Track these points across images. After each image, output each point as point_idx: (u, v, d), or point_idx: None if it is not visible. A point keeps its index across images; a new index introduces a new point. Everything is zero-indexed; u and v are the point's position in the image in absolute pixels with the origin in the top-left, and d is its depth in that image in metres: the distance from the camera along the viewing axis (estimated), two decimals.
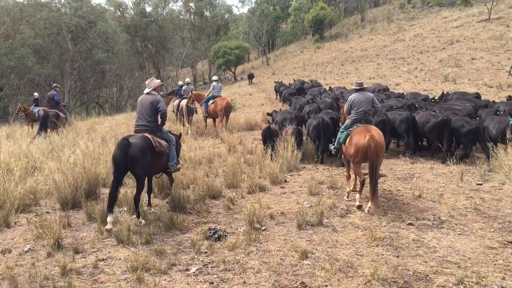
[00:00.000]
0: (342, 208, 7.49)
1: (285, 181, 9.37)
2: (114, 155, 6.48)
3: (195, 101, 15.79)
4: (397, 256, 5.59)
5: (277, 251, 5.75)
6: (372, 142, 7.13)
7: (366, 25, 50.55)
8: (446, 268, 5.24)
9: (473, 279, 4.93)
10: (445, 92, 17.07)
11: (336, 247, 5.90)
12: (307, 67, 37.71)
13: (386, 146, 10.93)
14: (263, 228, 6.60)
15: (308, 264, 5.37)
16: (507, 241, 6.01)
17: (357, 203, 7.54)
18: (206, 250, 5.77)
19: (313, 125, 11.06)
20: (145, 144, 6.65)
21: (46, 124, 15.28)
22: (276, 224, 6.83)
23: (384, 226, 6.67)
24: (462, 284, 4.82)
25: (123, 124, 17.97)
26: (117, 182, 6.47)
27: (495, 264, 5.34)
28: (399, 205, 7.65)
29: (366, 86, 8.67)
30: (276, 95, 25.60)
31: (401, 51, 34.94)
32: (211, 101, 15.37)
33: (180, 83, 20.18)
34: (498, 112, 11.73)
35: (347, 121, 8.16)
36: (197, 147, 12.46)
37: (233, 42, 47.89)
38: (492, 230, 6.46)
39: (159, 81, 7.69)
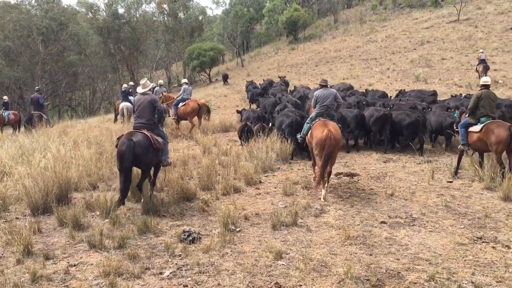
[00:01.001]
0: (316, 208, 7.54)
1: (260, 182, 9.39)
2: (121, 153, 7.12)
3: (164, 103, 15.90)
4: (370, 254, 5.66)
5: (251, 252, 5.75)
6: (329, 136, 7.98)
7: (339, 26, 51.06)
8: (418, 265, 5.33)
9: (444, 275, 5.03)
10: (402, 90, 18.02)
11: (310, 247, 5.93)
12: (281, 68, 37.83)
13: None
14: (237, 229, 6.59)
15: (283, 264, 5.39)
16: (477, 237, 6.15)
17: (322, 195, 8.19)
18: (180, 253, 5.73)
19: (287, 123, 11.63)
20: (147, 142, 7.36)
21: (31, 123, 16.08)
22: (250, 225, 6.84)
23: (358, 225, 6.74)
24: (433, 280, 4.91)
25: (96, 128, 17.70)
26: (126, 176, 7.17)
27: (465, 260, 5.45)
28: (372, 203, 7.74)
29: (331, 85, 9.47)
30: (248, 94, 25.77)
31: (374, 51, 35.40)
32: (181, 104, 15.35)
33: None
34: (448, 109, 12.53)
35: (312, 114, 9.07)
36: (171, 149, 12.34)
37: (207, 43, 47.67)
38: (462, 226, 6.60)
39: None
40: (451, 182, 9.00)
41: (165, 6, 51.23)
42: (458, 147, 9.66)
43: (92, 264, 5.44)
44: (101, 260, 5.48)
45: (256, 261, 5.49)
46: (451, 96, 16.14)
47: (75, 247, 6.00)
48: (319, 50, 41.66)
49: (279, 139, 11.45)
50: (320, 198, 8.06)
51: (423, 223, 6.77)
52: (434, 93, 16.97)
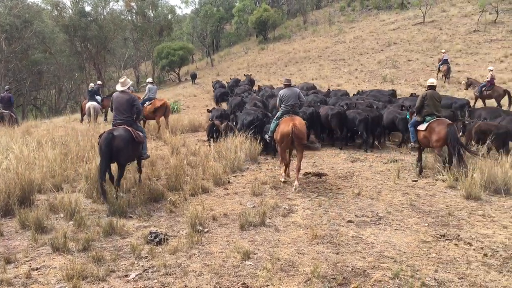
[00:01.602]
0: (284, 208, 7.56)
1: (229, 182, 9.37)
2: (102, 146, 7.52)
3: None
4: (337, 253, 5.71)
5: (219, 253, 5.73)
6: (294, 130, 8.51)
7: (309, 27, 51.46)
8: (383, 263, 5.41)
9: (408, 273, 5.12)
10: (361, 90, 18.81)
11: (278, 247, 5.95)
12: (251, 68, 37.87)
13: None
14: (205, 230, 6.56)
15: (250, 264, 5.39)
16: (440, 235, 6.29)
17: (282, 179, 9.13)
18: (146, 255, 5.65)
19: (249, 121, 12.33)
20: (128, 136, 7.76)
21: (2, 122, 16.05)
22: (219, 226, 6.81)
23: (325, 224, 6.80)
24: (397, 278, 4.99)
25: (61, 128, 17.30)
26: (106, 168, 7.60)
27: (428, 257, 5.57)
28: (339, 203, 7.82)
29: (294, 84, 10.15)
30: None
31: (342, 52, 35.85)
32: (147, 103, 15.22)
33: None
34: (403, 107, 13.13)
35: (278, 113, 9.58)
36: None
37: (176, 43, 47.23)
38: (426, 224, 6.74)
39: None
40: (416, 181, 9.19)
41: (133, 4, 50.46)
42: (409, 145, 10.63)
43: (55, 267, 5.31)
44: (64, 263, 5.35)
45: (223, 261, 5.46)
46: (411, 95, 16.62)
47: (38, 250, 5.84)
48: (288, 51, 41.89)
49: (248, 139, 11.46)
50: (289, 197, 8.11)
51: (388, 221, 6.89)
52: (393, 93, 17.61)
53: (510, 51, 28.12)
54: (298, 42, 45.39)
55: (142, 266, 5.36)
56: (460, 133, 10.95)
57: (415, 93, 16.81)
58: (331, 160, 11.36)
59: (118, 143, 7.56)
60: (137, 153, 8.33)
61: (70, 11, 45.95)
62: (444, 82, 24.04)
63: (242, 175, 9.98)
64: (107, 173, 7.72)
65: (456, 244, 5.97)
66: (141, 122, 15.62)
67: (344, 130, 13.06)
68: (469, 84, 20.73)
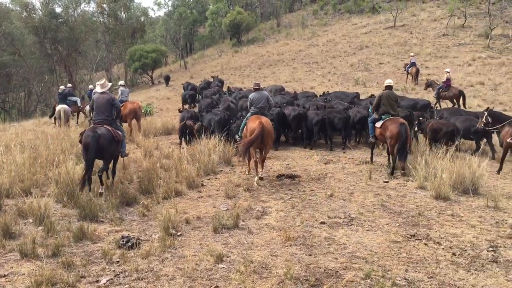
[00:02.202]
0: (258, 210, 7.57)
1: (202, 185, 9.33)
2: (87, 145, 7.95)
3: None
4: (310, 255, 5.75)
5: (192, 256, 5.69)
6: (261, 127, 9.06)
7: (282, 30, 51.71)
8: (355, 264, 5.47)
9: (379, 273, 5.20)
10: (325, 92, 19.24)
11: (251, 249, 5.95)
12: (225, 71, 37.83)
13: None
14: (178, 233, 6.51)
15: (223, 267, 5.37)
16: (410, 235, 6.41)
17: (256, 179, 9.36)
18: (118, 260, 5.58)
19: (216, 120, 12.98)
20: (109, 135, 8.24)
21: None
22: (192, 229, 6.77)
23: (298, 226, 6.83)
24: (369, 278, 5.06)
25: (30, 131, 16.95)
26: (91, 166, 8.02)
27: (399, 257, 5.66)
28: (312, 204, 7.88)
29: (263, 87, 10.56)
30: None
31: (315, 55, 36.14)
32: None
33: (90, 87, 19.57)
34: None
35: (248, 114, 10.16)
36: None
37: (149, 45, 46.78)
38: (397, 225, 6.85)
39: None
40: (387, 182, 9.33)
41: (105, 6, 49.81)
42: (369, 140, 11.48)
43: (23, 274, 5.19)
44: (33, 269, 5.24)
45: (196, 265, 5.43)
46: (371, 96, 17.19)
47: (5, 257, 5.70)
48: (262, 53, 42.01)
49: (221, 142, 11.44)
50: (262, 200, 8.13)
51: (360, 222, 6.97)
52: (357, 95, 18.13)
53: (477, 55, 28.86)
54: (272, 45, 45.57)
55: (114, 271, 5.28)
56: (416, 130, 12.48)
57: (373, 94, 17.38)
58: (304, 162, 11.43)
59: (102, 141, 8.05)
60: (117, 152, 8.82)
61: (40, 12, 45.07)
62: (415, 84, 24.53)
63: (216, 178, 9.95)
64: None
65: (425, 244, 6.09)
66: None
67: (305, 130, 13.53)
68: (428, 85, 21.64)
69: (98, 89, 8.94)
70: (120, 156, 9.15)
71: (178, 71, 47.93)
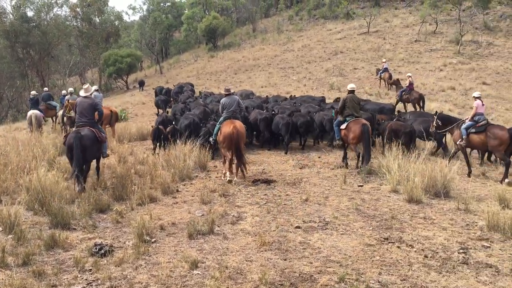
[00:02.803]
0: (233, 215, 7.56)
1: (177, 190, 9.26)
2: (70, 146, 8.48)
3: (72, 110, 15.42)
4: (285, 259, 5.77)
5: (166, 263, 5.63)
6: (235, 131, 9.59)
7: (258, 35, 51.94)
8: (329, 267, 5.51)
9: (353, 276, 5.25)
10: (293, 95, 20.14)
11: (226, 255, 5.93)
12: (201, 76, 37.76)
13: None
14: (153, 240, 6.44)
15: (198, 273, 5.34)
16: (383, 238, 6.49)
17: (228, 178, 9.79)
18: (90, 268, 5.48)
19: (185, 124, 13.18)
20: (93, 135, 8.76)
21: None
22: (166, 235, 6.71)
23: (273, 230, 6.85)
24: (343, 282, 5.10)
25: (1, 137, 16.56)
26: (77, 165, 8.40)
27: (372, 261, 5.73)
28: (287, 209, 7.91)
29: (233, 91, 11.28)
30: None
31: (291, 60, 36.39)
32: None
33: (63, 92, 19.32)
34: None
35: (221, 119, 10.60)
36: None
37: (124, 50, 46.37)
38: (371, 228, 6.93)
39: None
40: (361, 186, 9.44)
41: (78, 10, 49.17)
42: (334, 142, 12.39)
43: None
44: (2, 279, 5.11)
45: (171, 271, 5.38)
46: (336, 99, 17.89)
47: None
48: (238, 58, 42.09)
49: (197, 147, 11.40)
50: (237, 204, 8.11)
51: (335, 226, 7.03)
52: (323, 99, 18.79)
53: (449, 60, 29.54)
54: (248, 50, 45.72)
55: (86, 279, 5.20)
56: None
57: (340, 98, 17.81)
58: (280, 166, 11.47)
59: (85, 142, 8.54)
60: (99, 152, 9.29)
61: (11, 16, 44.21)
62: (389, 89, 24.91)
63: (191, 183, 9.90)
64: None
65: (398, 247, 6.18)
66: None
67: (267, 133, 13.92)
68: (394, 84, 22.33)
69: (82, 93, 9.42)
70: (102, 157, 9.58)
71: (154, 76, 47.61)
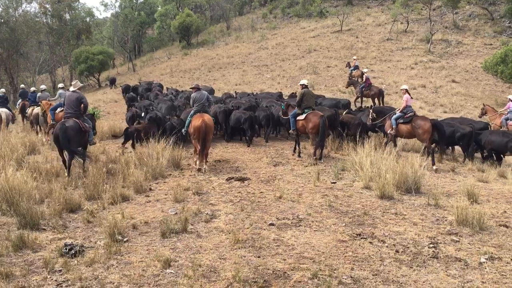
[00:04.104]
0: (207, 213, 7.51)
1: (150, 189, 9.15)
2: (56, 136, 9.63)
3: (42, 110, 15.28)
4: (258, 257, 5.77)
5: (139, 263, 5.57)
6: (203, 124, 10.42)
7: (232, 33, 51.83)
8: (303, 264, 5.54)
9: (326, 272, 5.29)
10: (252, 92, 21.18)
11: (200, 253, 5.90)
12: (174, 74, 37.46)
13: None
14: (125, 239, 6.35)
15: (171, 272, 5.30)
16: (356, 234, 6.56)
17: (197, 167, 10.63)
18: (60, 268, 5.37)
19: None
20: (77, 126, 9.77)
21: None
22: (139, 234, 6.63)
23: (247, 228, 6.84)
24: (316, 278, 5.13)
25: None
26: (63, 152, 9.87)
27: (345, 256, 5.78)
28: (261, 206, 7.91)
29: (201, 87, 12.16)
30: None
31: (265, 58, 36.46)
32: (59, 109, 14.64)
33: (32, 89, 18.93)
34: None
35: (191, 112, 11.46)
36: (55, 158, 11.60)
37: (96, 47, 45.68)
38: (344, 224, 6.99)
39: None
40: (334, 183, 9.52)
41: (48, 6, 48.13)
42: (289, 131, 12.96)
43: None
44: None
45: (143, 271, 5.33)
46: (291, 94, 19.24)
47: None
48: (212, 56, 41.93)
49: (170, 145, 11.32)
50: (211, 203, 8.08)
51: (308, 223, 7.07)
52: (280, 95, 20.06)
53: (419, 59, 30.06)
54: (222, 48, 45.57)
55: (56, 280, 5.09)
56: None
57: (295, 92, 19.11)
58: (254, 164, 11.48)
59: (69, 132, 9.56)
60: (84, 140, 10.26)
61: None
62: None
63: (165, 182, 9.81)
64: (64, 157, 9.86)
65: (370, 242, 6.26)
66: (52, 128, 14.98)
67: (229, 127, 14.79)
68: (350, 84, 22.81)
69: (71, 88, 10.58)
70: (88, 144, 10.65)
71: (127, 73, 47.02)
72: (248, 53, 39.86)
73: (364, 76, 21.26)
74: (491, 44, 32.97)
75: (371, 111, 13.57)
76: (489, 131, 13.21)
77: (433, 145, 11.97)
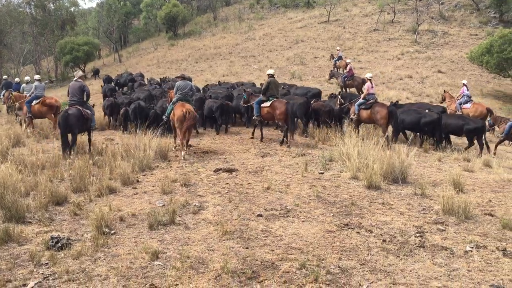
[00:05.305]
0: (195, 205, 7.49)
1: (138, 181, 9.09)
2: (59, 122, 10.93)
3: (15, 103, 15.39)
4: (247, 248, 5.77)
5: (126, 255, 5.54)
6: (186, 113, 10.89)
7: (219, 23, 51.55)
8: (291, 254, 5.56)
9: (314, 262, 5.31)
10: (220, 82, 21.89)
11: (188, 245, 5.89)
12: (161, 64, 37.19)
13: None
14: (112, 232, 6.31)
15: (159, 264, 5.28)
16: (344, 224, 6.59)
17: (176, 148, 11.71)
18: (47, 261, 5.32)
19: (132, 108, 14.92)
20: (79, 113, 10.89)
21: None
22: (126, 227, 6.59)
23: (235, 219, 6.83)
24: (304, 268, 5.15)
25: None
26: (65, 137, 10.87)
27: (333, 246, 5.81)
28: (249, 197, 7.90)
29: (187, 76, 12.92)
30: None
31: (252, 49, 36.33)
32: (35, 101, 14.58)
33: (17, 79, 18.75)
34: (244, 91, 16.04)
35: (174, 99, 11.93)
36: (40, 150, 11.46)
37: (81, 38, 45.13)
38: (331, 215, 7.02)
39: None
40: (322, 173, 9.54)
41: None
42: (253, 117, 13.71)
43: None
44: None
45: (131, 263, 5.30)
46: (261, 84, 19.26)
47: None
48: (199, 47, 41.67)
49: (157, 137, 11.28)
50: (198, 197, 8.07)
51: (296, 213, 7.08)
52: (253, 84, 20.77)
53: (406, 49, 30.18)
54: (209, 38, 45.31)
55: (42, 273, 5.05)
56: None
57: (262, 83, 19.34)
58: (241, 155, 11.46)
59: (71, 119, 10.70)
60: (86, 126, 11.33)
61: None
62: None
63: (152, 173, 9.75)
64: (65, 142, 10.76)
65: (358, 232, 6.29)
66: (27, 120, 14.84)
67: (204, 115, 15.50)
68: (332, 75, 23.01)
69: (75, 78, 11.72)
70: (91, 129, 11.72)
71: (112, 64, 46.56)
72: (235, 43, 39.68)
73: (348, 66, 21.34)
74: (476, 35, 33.22)
75: (339, 97, 14.89)
76: (445, 114, 14.24)
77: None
